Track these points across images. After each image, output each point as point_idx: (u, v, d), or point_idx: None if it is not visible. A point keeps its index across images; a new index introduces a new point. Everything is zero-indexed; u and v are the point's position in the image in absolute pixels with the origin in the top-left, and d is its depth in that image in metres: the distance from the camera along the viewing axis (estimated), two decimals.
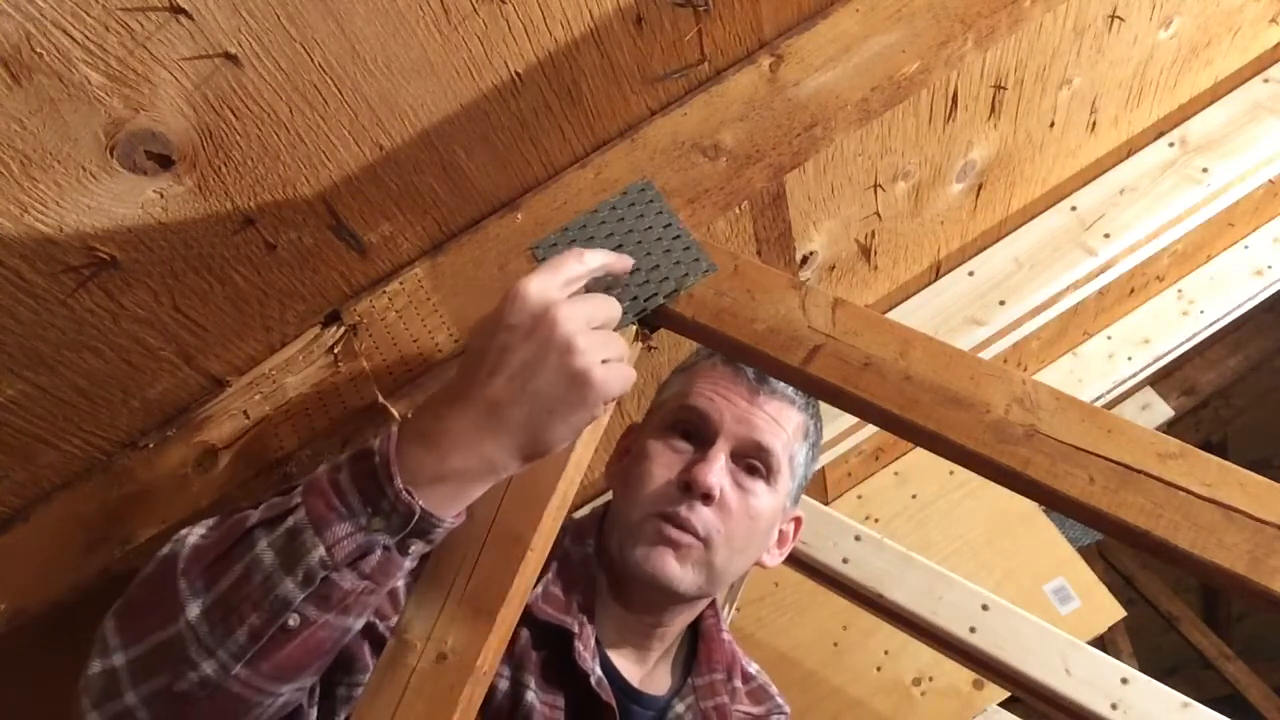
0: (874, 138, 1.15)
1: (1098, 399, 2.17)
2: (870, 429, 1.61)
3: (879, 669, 1.98)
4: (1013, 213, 1.50)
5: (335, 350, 0.86)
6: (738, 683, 0.99)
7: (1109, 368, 2.15)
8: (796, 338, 0.79)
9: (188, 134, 0.69)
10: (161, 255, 0.75)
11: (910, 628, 1.60)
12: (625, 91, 0.89)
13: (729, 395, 0.92)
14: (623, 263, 0.76)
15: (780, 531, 0.99)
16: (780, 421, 0.92)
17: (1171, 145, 1.54)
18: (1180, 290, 2.13)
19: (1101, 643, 2.20)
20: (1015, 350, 1.96)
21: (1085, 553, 2.26)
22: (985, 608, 1.54)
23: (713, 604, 1.01)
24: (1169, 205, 1.50)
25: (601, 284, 0.83)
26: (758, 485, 0.91)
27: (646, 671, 0.95)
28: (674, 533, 0.87)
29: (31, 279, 0.71)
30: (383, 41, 0.72)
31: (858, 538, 1.61)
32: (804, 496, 1.03)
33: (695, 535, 0.87)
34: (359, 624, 0.67)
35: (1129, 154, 1.55)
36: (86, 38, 0.62)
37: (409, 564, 0.66)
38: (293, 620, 0.62)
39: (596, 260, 0.72)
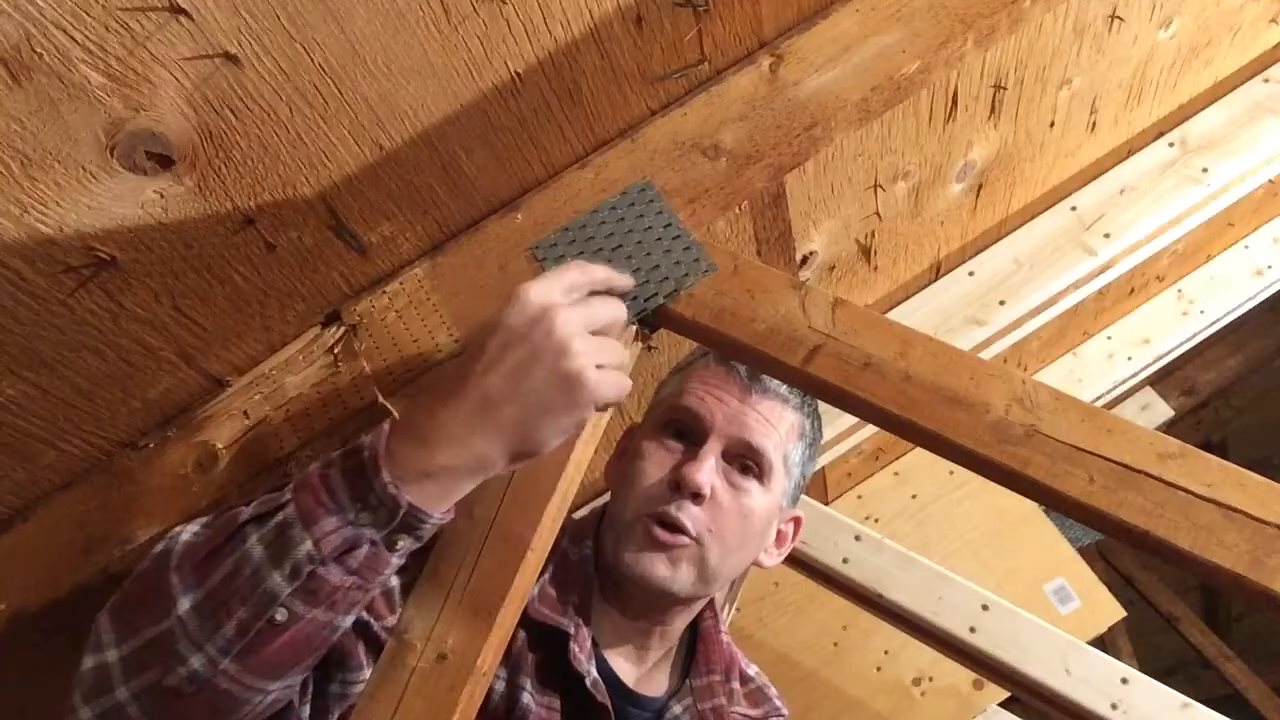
0: (874, 138, 1.15)
1: (1098, 399, 2.17)
2: (870, 429, 1.61)
3: (879, 669, 1.98)
4: (1013, 213, 1.50)
5: (335, 350, 0.86)
6: (735, 684, 0.99)
7: (1109, 368, 2.15)
8: (796, 338, 0.79)
9: (188, 134, 0.69)
10: (161, 255, 0.75)
11: (910, 628, 1.60)
12: (625, 91, 0.89)
13: (721, 395, 0.92)
14: (623, 280, 0.76)
15: (779, 531, 0.99)
16: (772, 421, 0.92)
17: (1171, 145, 1.54)
18: (1180, 290, 2.13)
19: (1101, 643, 2.19)
20: (1015, 350, 1.96)
21: (1085, 553, 2.26)
22: (985, 608, 1.54)
23: (711, 605, 1.01)
24: (1169, 205, 1.50)
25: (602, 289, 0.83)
26: (750, 484, 0.91)
27: (644, 672, 0.95)
28: (664, 535, 0.87)
29: (31, 279, 0.71)
30: (383, 42, 0.72)
31: (858, 538, 1.61)
32: (804, 497, 1.03)
33: (686, 534, 0.87)
34: (347, 622, 0.67)
35: (1129, 154, 1.55)
36: (86, 38, 0.62)
37: (397, 560, 0.66)
38: (280, 615, 0.62)
39: (600, 274, 0.73)
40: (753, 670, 1.04)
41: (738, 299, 0.82)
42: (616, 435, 1.07)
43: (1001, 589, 1.84)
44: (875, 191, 1.24)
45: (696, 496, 0.87)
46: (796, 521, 1.02)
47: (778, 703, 1.02)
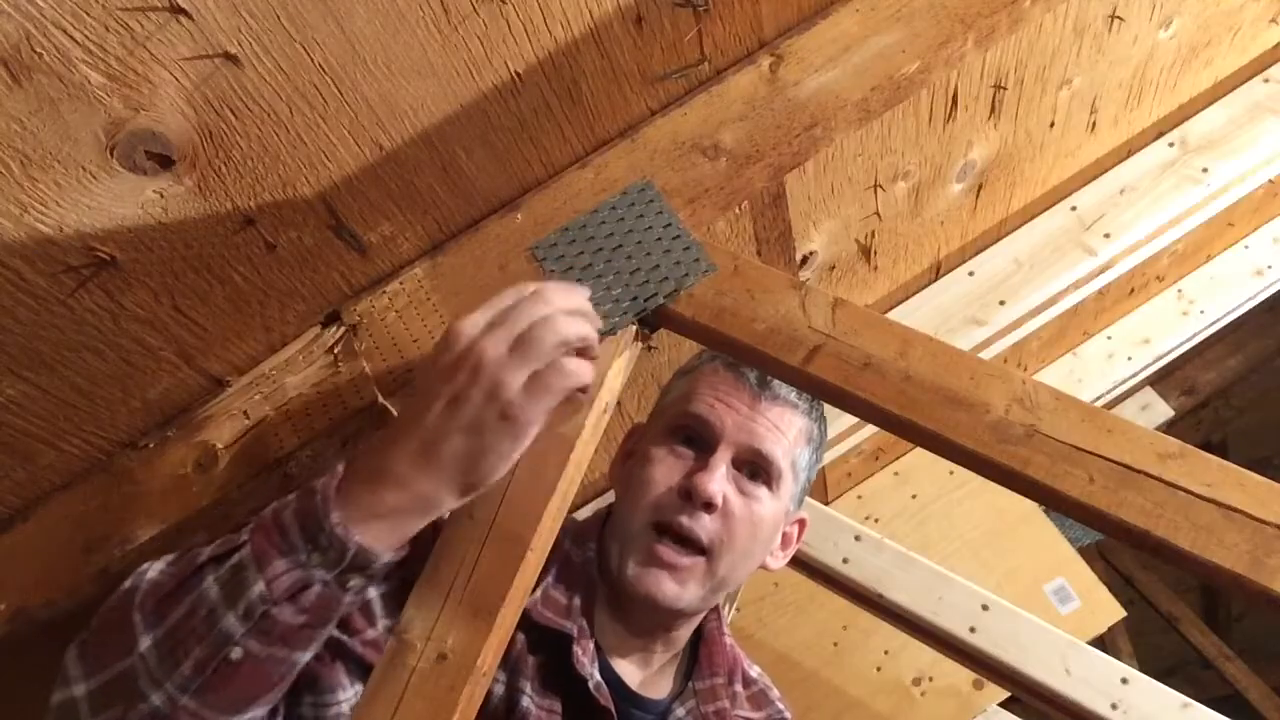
0: (874, 138, 1.15)
1: (1098, 399, 2.17)
2: (870, 429, 1.61)
3: (879, 669, 1.98)
4: (1013, 213, 1.50)
5: (335, 350, 0.86)
6: (739, 687, 0.99)
7: (1109, 368, 2.15)
8: (796, 338, 0.79)
9: (188, 134, 0.70)
10: (161, 255, 0.75)
11: (910, 628, 1.60)
12: (625, 91, 0.89)
13: (730, 401, 0.91)
14: (576, 295, 0.74)
15: (784, 533, 0.98)
16: (782, 428, 0.92)
17: (1171, 145, 1.55)
18: (1180, 290, 2.13)
19: (1101, 643, 2.19)
20: (1015, 350, 1.96)
21: (1085, 553, 2.26)
22: (985, 608, 1.54)
23: (715, 607, 1.01)
24: (1169, 205, 1.50)
25: (601, 286, 0.83)
26: (760, 491, 0.91)
27: (648, 675, 0.95)
28: (670, 554, 0.87)
29: (31, 279, 0.71)
30: (383, 41, 0.72)
31: (858, 538, 1.61)
32: (806, 499, 1.03)
33: (698, 545, 0.87)
34: (306, 656, 0.67)
35: (1129, 154, 1.55)
36: (86, 38, 0.62)
37: (351, 599, 0.68)
38: (235, 653, 0.63)
39: (534, 287, 0.71)
40: (755, 672, 1.04)
41: (738, 299, 0.82)
42: (617, 435, 1.07)
43: (1001, 589, 1.84)
44: (875, 191, 1.24)
45: (709, 505, 0.87)
46: (801, 523, 1.02)
47: (780, 705, 1.02)
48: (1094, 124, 1.42)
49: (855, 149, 1.15)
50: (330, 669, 0.76)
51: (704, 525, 0.87)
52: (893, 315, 1.51)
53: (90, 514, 0.84)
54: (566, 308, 0.70)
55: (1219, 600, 4.34)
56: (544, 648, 0.86)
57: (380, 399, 0.84)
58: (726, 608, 1.74)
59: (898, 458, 2.21)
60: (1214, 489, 0.68)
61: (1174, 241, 1.63)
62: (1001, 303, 1.48)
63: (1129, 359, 2.14)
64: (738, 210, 1.07)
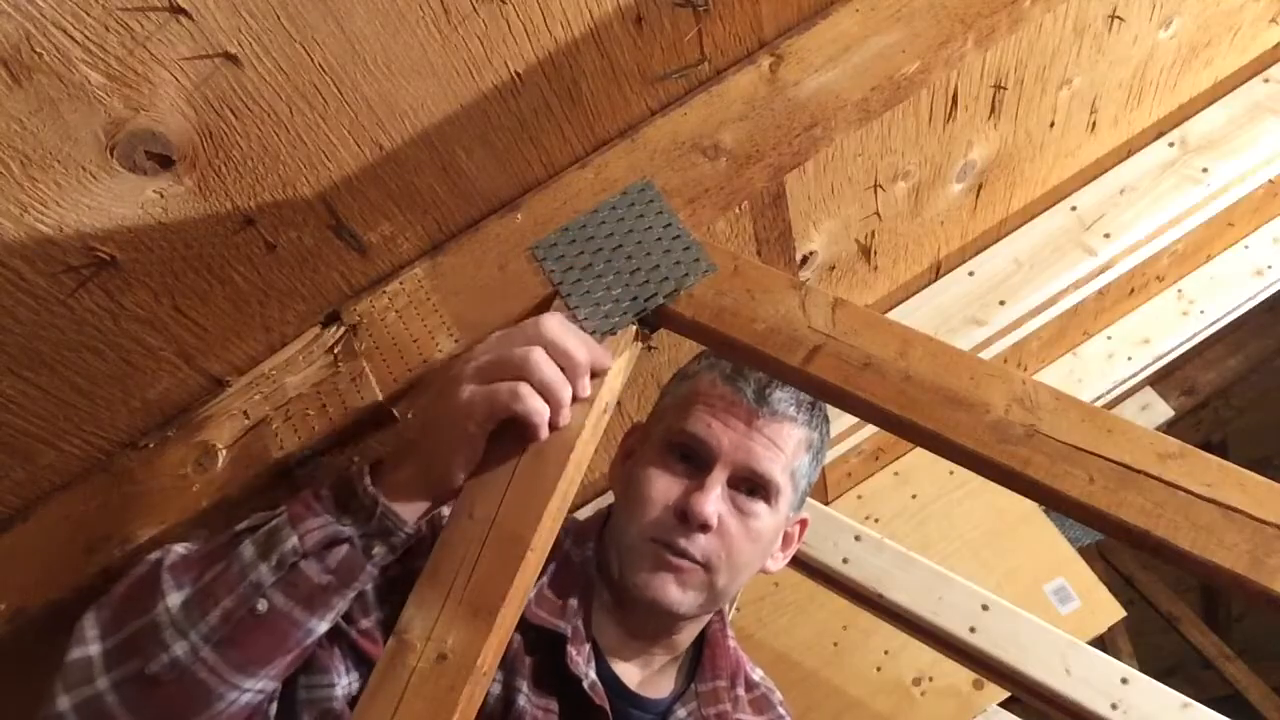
0: (874, 138, 1.15)
1: (1098, 399, 2.17)
2: (870, 429, 1.61)
3: (879, 669, 1.98)
4: (1013, 213, 1.50)
5: (335, 350, 0.86)
6: (741, 691, 0.98)
7: (1109, 368, 2.15)
8: (796, 338, 0.79)
9: (188, 134, 0.70)
10: (161, 255, 0.75)
11: (910, 628, 1.60)
12: (625, 91, 0.89)
13: (727, 419, 0.90)
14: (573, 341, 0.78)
15: (785, 534, 0.98)
16: (779, 444, 0.91)
17: (1171, 145, 1.54)
18: (1180, 290, 2.13)
19: (1101, 643, 2.19)
20: (1015, 350, 1.96)
21: (1085, 553, 2.26)
22: (985, 608, 1.54)
23: (719, 610, 1.01)
24: (1169, 205, 1.50)
25: (601, 286, 0.83)
26: (758, 507, 0.91)
27: (648, 675, 0.95)
28: (673, 559, 0.87)
29: (31, 279, 0.71)
30: (383, 41, 0.72)
31: (858, 538, 1.61)
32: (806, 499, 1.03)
33: (695, 562, 0.87)
34: (321, 628, 0.72)
35: (1129, 154, 1.55)
36: (86, 38, 0.62)
37: (371, 569, 0.73)
38: (261, 605, 0.68)
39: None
40: (758, 676, 1.04)
41: (738, 299, 0.82)
42: (617, 435, 1.07)
43: (1001, 589, 1.84)
44: (875, 191, 1.24)
45: (704, 527, 0.87)
46: (802, 523, 1.01)
47: (782, 710, 1.02)
48: (1094, 124, 1.42)
49: (855, 149, 1.15)
50: (326, 652, 0.78)
51: (700, 545, 0.87)
52: (893, 315, 1.51)
53: (90, 514, 0.84)
54: (560, 346, 0.75)
55: (1219, 600, 4.34)
56: (540, 647, 0.86)
57: (380, 399, 0.84)
58: (727, 608, 1.74)
59: (898, 458, 2.21)
60: (1214, 489, 0.67)
61: (1174, 241, 1.63)
62: (1001, 303, 1.48)
63: (1129, 359, 2.14)
64: (738, 210, 1.07)
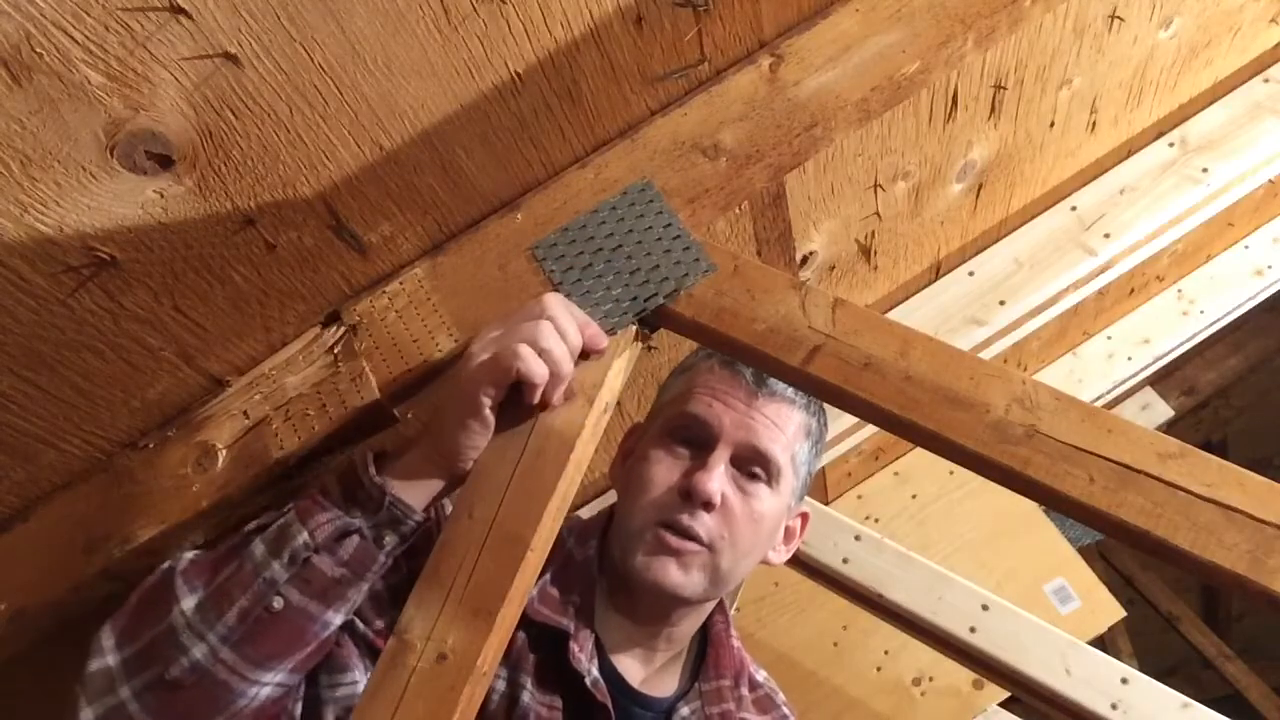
0: (874, 138, 1.15)
1: (1098, 399, 2.17)
2: (870, 429, 1.61)
3: (879, 669, 1.98)
4: (1013, 213, 1.50)
5: (335, 350, 0.86)
6: (744, 690, 0.98)
7: (1109, 368, 2.15)
8: (796, 338, 0.79)
9: (188, 134, 0.70)
10: (161, 255, 0.75)
11: (910, 628, 1.60)
12: (625, 91, 0.89)
13: (728, 400, 0.91)
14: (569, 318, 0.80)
15: (787, 528, 0.99)
16: (779, 424, 0.92)
17: (1171, 145, 1.54)
18: (1180, 290, 2.13)
19: (1101, 643, 2.19)
20: (1015, 350, 1.96)
21: (1085, 553, 2.26)
22: (985, 608, 1.54)
23: (722, 608, 1.01)
24: (1169, 205, 1.50)
25: (601, 286, 0.83)
26: (759, 488, 0.91)
27: (651, 673, 0.95)
28: (675, 540, 0.87)
29: (31, 279, 0.71)
30: (383, 41, 0.72)
31: (858, 538, 1.61)
32: (806, 498, 1.03)
33: (699, 542, 0.87)
34: (337, 620, 0.73)
35: (1129, 154, 1.55)
36: (86, 38, 0.62)
37: (383, 559, 0.74)
38: (276, 602, 0.69)
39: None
40: (762, 676, 1.04)
41: (738, 299, 0.82)
42: (617, 435, 1.07)
43: (1001, 589, 1.84)
44: (875, 191, 1.24)
45: (708, 505, 0.87)
46: (804, 517, 1.02)
47: (785, 710, 1.02)
48: (1094, 124, 1.42)
49: (855, 149, 1.15)
50: (344, 649, 0.78)
51: (704, 523, 0.87)
52: (893, 315, 1.51)
53: (90, 514, 0.84)
54: (560, 323, 0.76)
55: (1219, 600, 4.33)
56: (543, 645, 0.86)
57: (380, 399, 0.84)
58: (729, 607, 1.74)
59: (898, 458, 2.21)
60: (1214, 489, 0.68)
61: (1174, 241, 1.63)
62: (1001, 303, 1.48)
63: (1129, 359, 2.14)
64: (738, 210, 1.07)
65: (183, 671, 0.67)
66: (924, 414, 0.74)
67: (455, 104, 0.80)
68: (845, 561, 1.59)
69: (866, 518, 2.13)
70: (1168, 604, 4.03)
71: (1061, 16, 1.16)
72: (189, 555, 0.75)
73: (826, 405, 0.93)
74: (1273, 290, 2.09)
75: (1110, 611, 2.05)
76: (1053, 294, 1.49)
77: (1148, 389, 2.79)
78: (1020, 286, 1.49)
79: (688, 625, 0.95)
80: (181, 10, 0.63)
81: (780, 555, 0.99)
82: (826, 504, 2.01)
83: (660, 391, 1.01)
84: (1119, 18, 1.23)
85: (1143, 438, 0.71)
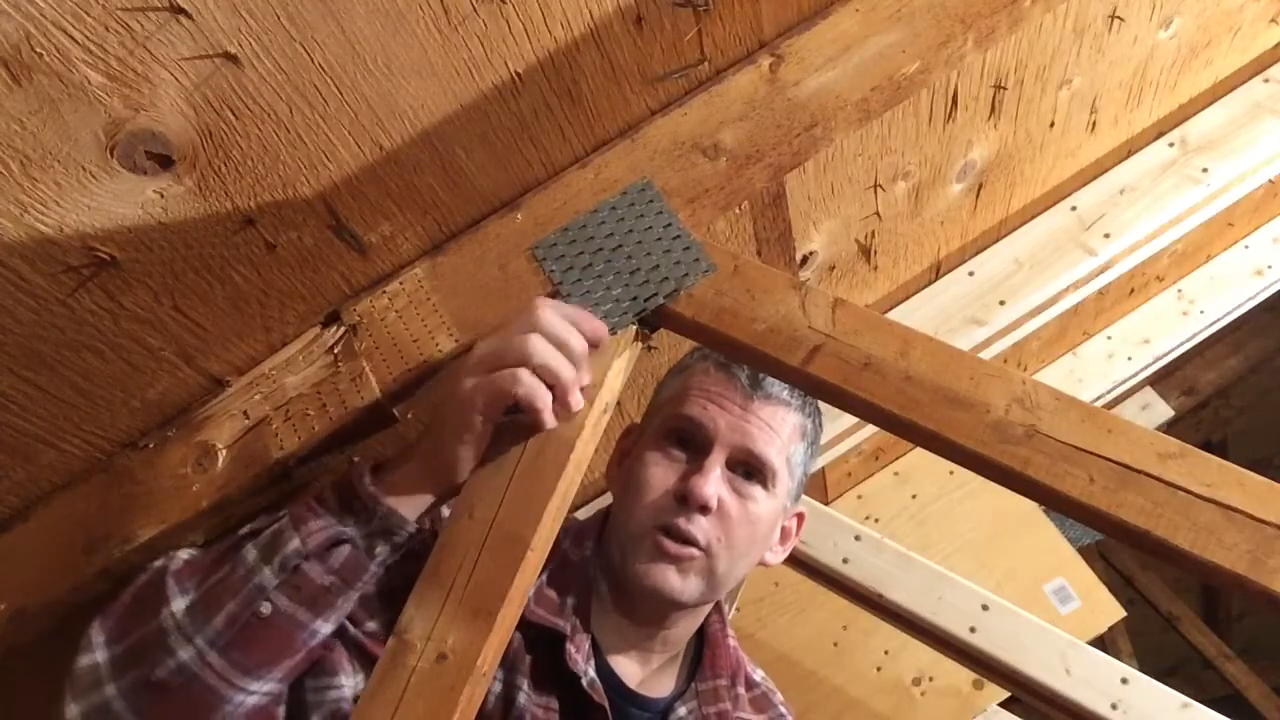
0: (874, 138, 1.15)
1: (1098, 399, 2.17)
2: (870, 429, 1.61)
3: (879, 669, 1.98)
4: (1013, 213, 1.50)
5: (335, 350, 0.86)
6: (741, 689, 0.99)
7: (1109, 368, 2.15)
8: (796, 338, 0.79)
9: (188, 134, 0.69)
10: (161, 255, 0.75)
11: (910, 628, 1.60)
12: (625, 91, 0.89)
13: (723, 402, 0.91)
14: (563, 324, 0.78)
15: (783, 528, 0.99)
16: (775, 426, 0.92)
17: (1171, 145, 1.54)
18: (1180, 290, 2.13)
19: (1101, 643, 2.19)
20: (1015, 350, 1.96)
21: (1085, 553, 2.26)
22: (985, 608, 1.54)
23: (719, 609, 1.01)
24: (1169, 205, 1.50)
25: (601, 286, 0.83)
26: (755, 490, 0.91)
27: (648, 674, 0.95)
28: (673, 546, 0.87)
29: (31, 279, 0.71)
30: (383, 41, 0.72)
31: (858, 538, 1.61)
32: (804, 496, 1.03)
33: (696, 546, 0.87)
34: (326, 628, 0.73)
35: (1129, 154, 1.55)
36: (86, 38, 0.62)
37: (374, 569, 0.74)
38: (265, 608, 0.69)
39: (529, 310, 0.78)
40: (759, 675, 1.04)
41: (738, 299, 0.82)
42: (617, 435, 1.07)
43: (1001, 589, 1.84)
44: (875, 191, 1.24)
45: (704, 509, 0.87)
46: (799, 517, 1.02)
47: (783, 709, 1.02)
48: (1094, 124, 1.42)
49: (855, 149, 1.15)
50: (334, 653, 0.78)
51: (701, 527, 0.87)
52: (893, 315, 1.51)
53: (90, 514, 0.84)
54: (553, 332, 0.75)
55: (1219, 600, 4.33)
56: (539, 646, 0.87)
57: (380, 399, 0.84)
58: (727, 608, 1.74)
59: (898, 458, 2.21)
60: (1214, 489, 0.67)
61: (1174, 241, 1.63)
62: (1001, 303, 1.48)
63: (1129, 359, 2.14)
64: (738, 210, 1.07)
65: (169, 673, 0.67)
66: (924, 414, 0.74)
67: (455, 104, 0.80)
68: (845, 561, 1.59)
69: (866, 518, 2.13)
70: (1168, 604, 4.03)
71: (1061, 16, 1.16)
72: (183, 555, 0.75)
73: (825, 405, 0.94)
74: (1273, 290, 2.09)
75: (1110, 611, 2.05)
76: (1053, 294, 1.48)
77: (1148, 389, 2.79)
78: (1020, 286, 1.48)
79: (684, 627, 0.95)
80: (181, 10, 0.63)
81: (777, 556, 0.99)
82: (826, 504, 2.01)
83: (655, 393, 1.01)
84: (1119, 18, 1.23)
85: (1143, 438, 0.71)
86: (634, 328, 0.83)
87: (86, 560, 0.83)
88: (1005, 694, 1.85)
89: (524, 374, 0.73)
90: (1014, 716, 1.97)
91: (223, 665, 0.68)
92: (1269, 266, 2.06)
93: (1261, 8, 1.41)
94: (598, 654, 0.90)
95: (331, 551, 0.72)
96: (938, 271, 1.52)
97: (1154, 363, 2.15)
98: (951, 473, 2.14)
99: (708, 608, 0.98)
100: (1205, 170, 1.51)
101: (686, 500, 0.87)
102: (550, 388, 0.74)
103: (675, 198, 0.88)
